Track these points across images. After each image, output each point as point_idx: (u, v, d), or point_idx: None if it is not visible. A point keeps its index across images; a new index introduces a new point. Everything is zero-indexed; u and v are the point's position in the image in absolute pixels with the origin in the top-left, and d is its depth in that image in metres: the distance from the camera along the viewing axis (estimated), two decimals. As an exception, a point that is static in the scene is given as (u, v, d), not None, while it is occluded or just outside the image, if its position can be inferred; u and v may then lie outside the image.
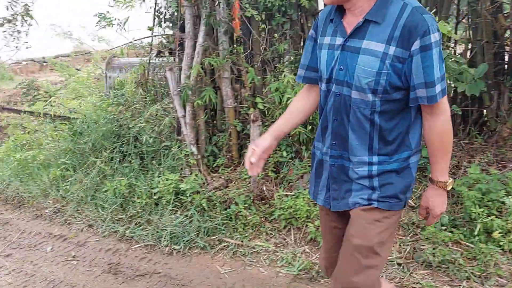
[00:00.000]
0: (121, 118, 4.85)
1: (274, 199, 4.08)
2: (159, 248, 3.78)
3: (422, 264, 3.34)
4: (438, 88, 1.67)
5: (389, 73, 1.68)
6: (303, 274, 3.29)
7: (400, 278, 3.22)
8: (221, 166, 4.52)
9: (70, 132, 4.88)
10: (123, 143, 4.71)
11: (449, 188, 1.87)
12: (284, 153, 4.30)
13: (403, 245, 3.53)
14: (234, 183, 4.34)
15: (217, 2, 4.16)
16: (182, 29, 4.56)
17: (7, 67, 16.60)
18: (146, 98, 4.93)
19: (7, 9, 4.03)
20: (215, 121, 4.70)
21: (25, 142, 5.88)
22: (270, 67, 4.59)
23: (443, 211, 1.92)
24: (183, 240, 3.77)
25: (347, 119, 1.83)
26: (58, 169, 4.72)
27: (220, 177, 4.40)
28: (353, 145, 1.85)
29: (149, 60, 5.06)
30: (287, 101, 4.03)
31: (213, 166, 4.60)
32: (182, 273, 3.44)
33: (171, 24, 4.83)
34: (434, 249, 3.39)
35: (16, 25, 4.09)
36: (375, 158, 1.84)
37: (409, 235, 3.62)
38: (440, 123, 1.76)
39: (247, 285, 3.24)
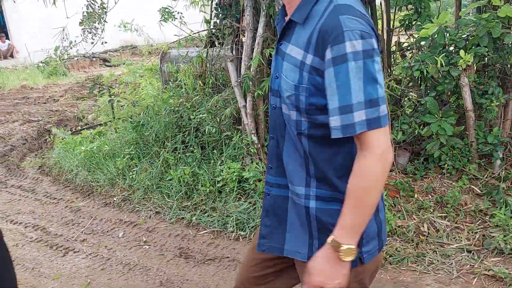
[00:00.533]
0: (181, 110, 5.00)
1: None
2: (225, 234, 3.90)
3: (493, 252, 3.29)
4: (358, 116, 1.21)
5: (308, 88, 1.30)
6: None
7: (470, 265, 3.19)
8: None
9: (133, 124, 5.07)
10: (185, 134, 4.86)
11: (343, 257, 1.28)
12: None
13: (472, 232, 3.48)
14: (294, 171, 4.39)
15: (276, -8, 4.19)
16: (238, 21, 4.64)
17: (59, 63, 17.38)
18: (204, 89, 5.05)
19: (87, 8, 4.26)
20: (273, 111, 4.75)
21: (89, 134, 6.19)
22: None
23: (325, 285, 1.31)
24: (249, 226, 3.87)
25: (282, 138, 1.47)
26: (124, 159, 4.94)
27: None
28: (289, 171, 1.46)
29: (207, 52, 5.17)
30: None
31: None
32: (250, 258, 3.53)
33: (226, 17, 4.90)
34: (505, 236, 3.32)
35: (94, 22, 4.30)
36: (312, 192, 1.42)
37: (477, 223, 3.56)
38: (362, 163, 1.26)
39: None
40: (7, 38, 17.44)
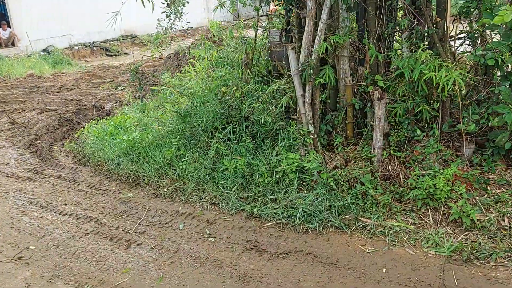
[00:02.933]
0: (229, 99, 4.85)
1: (400, 179, 4.02)
2: (291, 226, 3.79)
3: None
4: None
5: None
6: (456, 255, 3.22)
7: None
8: (337, 144, 4.46)
9: (180, 114, 4.91)
10: (236, 124, 4.72)
11: None
12: (405, 132, 4.21)
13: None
14: (353, 162, 4.28)
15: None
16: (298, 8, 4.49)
17: (60, 52, 17.07)
18: (254, 78, 4.91)
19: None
20: (328, 100, 4.63)
21: (123, 124, 6.00)
22: (384, 44, 4.47)
23: None
24: (316, 219, 3.76)
25: None
26: (172, 149, 4.78)
27: (338, 156, 4.35)
28: None
29: (255, 40, 5.02)
30: (418, 77, 3.90)
31: (327, 145, 4.56)
32: (325, 251, 3.43)
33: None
34: None
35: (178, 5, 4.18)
36: None
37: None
38: None
39: (399, 265, 3.20)
40: (9, 26, 17.03)
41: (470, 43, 4.71)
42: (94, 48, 19.83)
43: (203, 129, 4.83)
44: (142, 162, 5.01)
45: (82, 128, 7.07)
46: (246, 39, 5.08)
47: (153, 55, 7.16)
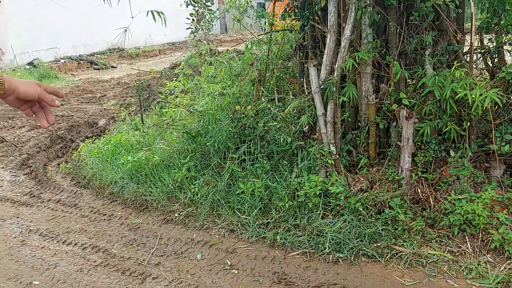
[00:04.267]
0: (243, 118, 4.60)
1: (430, 202, 3.81)
2: (320, 255, 3.52)
3: None
4: None
5: None
6: (502, 287, 3.00)
7: None
8: (361, 166, 4.24)
9: (191, 134, 4.63)
10: (250, 144, 4.46)
11: None
12: (432, 152, 4.02)
13: None
14: (379, 184, 4.06)
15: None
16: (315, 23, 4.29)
17: (46, 65, 16.65)
18: (267, 96, 4.68)
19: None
20: (349, 119, 4.42)
21: (124, 143, 5.68)
22: (406, 60, 4.31)
23: None
24: (346, 248, 3.51)
25: None
26: (182, 171, 4.49)
27: (362, 178, 4.12)
28: None
29: (268, 57, 4.79)
30: (449, 95, 3.71)
31: (348, 165, 4.33)
32: (360, 285, 3.18)
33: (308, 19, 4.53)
34: None
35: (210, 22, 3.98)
36: None
37: None
38: None
39: (444, 299, 2.96)
40: (-7, 39, 16.55)
41: (490, 59, 4.59)
42: (81, 61, 19.49)
43: (215, 150, 4.55)
44: (149, 185, 4.70)
45: (78, 147, 6.74)
46: (257, 56, 4.85)
47: (151, 70, 6.89)
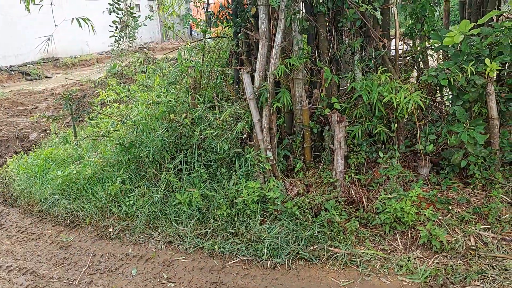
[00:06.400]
0: (178, 126, 4.52)
1: (363, 203, 3.91)
2: (258, 262, 3.51)
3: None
4: None
5: None
6: (431, 281, 3.12)
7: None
8: (296, 170, 4.29)
9: (125, 145, 4.48)
10: (186, 153, 4.38)
11: None
12: (364, 154, 4.14)
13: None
14: (315, 187, 4.13)
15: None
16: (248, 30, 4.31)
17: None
18: (204, 103, 4.63)
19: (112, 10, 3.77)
20: (284, 124, 4.46)
21: (55, 157, 5.40)
22: (338, 66, 4.43)
23: None
24: (284, 253, 3.52)
25: None
26: (116, 184, 4.32)
27: (299, 182, 4.17)
28: None
29: (202, 64, 4.75)
30: (377, 99, 3.85)
31: (285, 170, 4.37)
32: (298, 288, 3.19)
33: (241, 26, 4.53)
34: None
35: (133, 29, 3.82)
36: None
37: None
38: None
39: (377, 297, 3.04)
40: None
41: (415, 63, 4.82)
42: (12, 72, 18.48)
43: (150, 160, 4.43)
44: (81, 200, 4.49)
45: (5, 163, 6.34)
46: (192, 62, 4.79)
47: (81, 79, 6.63)
